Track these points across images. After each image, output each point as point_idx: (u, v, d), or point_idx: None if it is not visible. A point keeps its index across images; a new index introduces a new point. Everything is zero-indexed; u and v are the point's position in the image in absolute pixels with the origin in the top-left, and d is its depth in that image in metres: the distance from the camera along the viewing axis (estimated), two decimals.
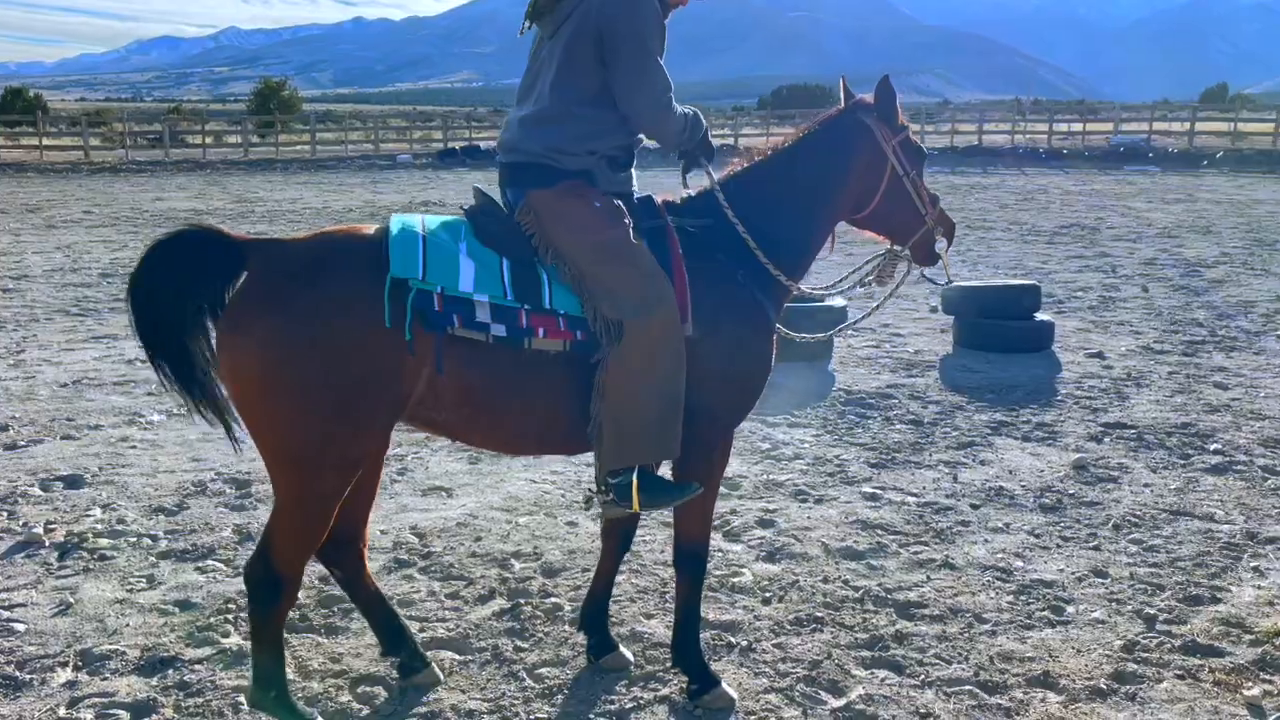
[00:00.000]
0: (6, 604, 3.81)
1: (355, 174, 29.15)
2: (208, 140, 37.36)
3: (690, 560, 3.21)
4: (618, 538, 3.43)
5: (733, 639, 3.60)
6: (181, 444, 5.71)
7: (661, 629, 3.63)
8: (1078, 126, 41.61)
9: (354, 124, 44.58)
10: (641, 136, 3.11)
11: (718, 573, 4.10)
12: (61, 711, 3.13)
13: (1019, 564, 4.22)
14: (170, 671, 3.37)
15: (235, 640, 3.56)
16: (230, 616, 3.72)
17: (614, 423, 2.86)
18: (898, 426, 6.09)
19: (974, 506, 4.85)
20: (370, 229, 2.89)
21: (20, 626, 3.64)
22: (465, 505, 4.86)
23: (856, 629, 3.67)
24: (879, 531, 4.55)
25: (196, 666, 3.40)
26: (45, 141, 34.58)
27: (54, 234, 15.17)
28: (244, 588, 2.97)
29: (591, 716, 3.17)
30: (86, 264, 12.29)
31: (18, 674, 3.33)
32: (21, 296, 10.18)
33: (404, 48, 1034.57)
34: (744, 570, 4.14)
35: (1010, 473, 5.31)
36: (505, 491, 5.05)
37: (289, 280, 2.70)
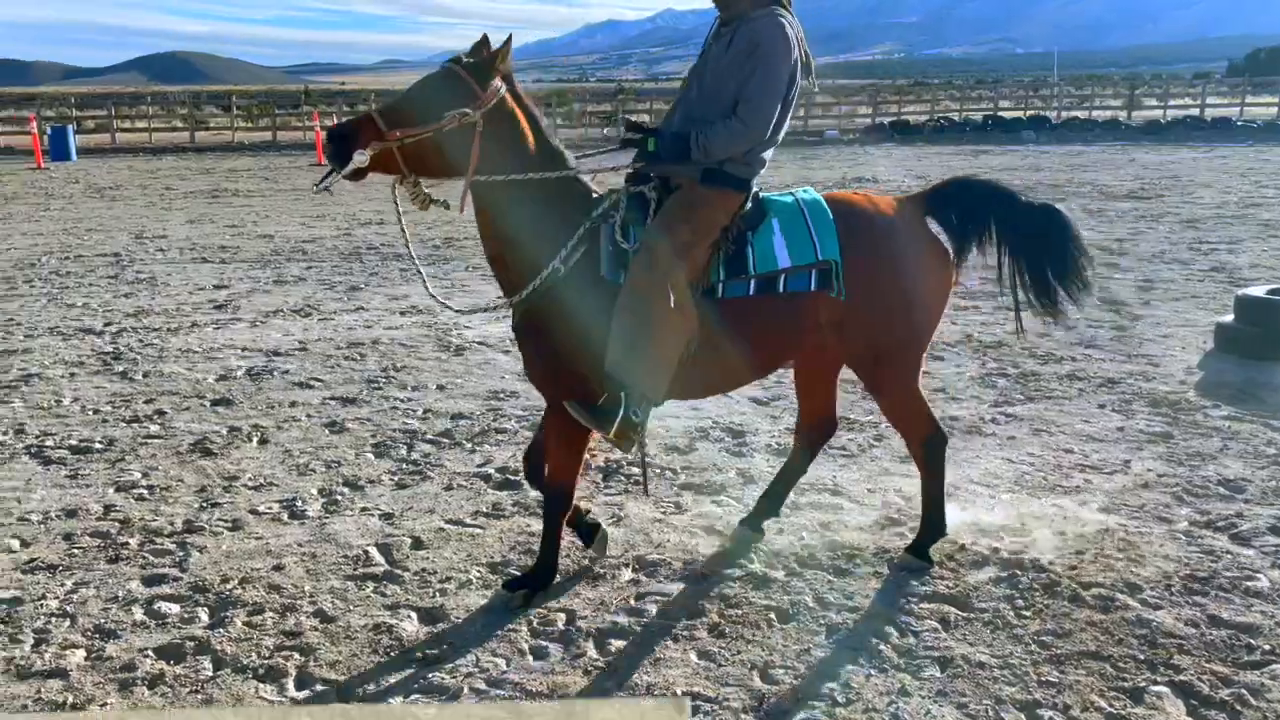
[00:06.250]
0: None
1: (781, 150, 29.98)
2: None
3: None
4: None
5: (1252, 641, 3.51)
6: None
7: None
8: None
9: None
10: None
11: (1228, 574, 3.98)
12: (632, 602, 3.82)
13: None
14: (706, 584, 3.96)
15: (758, 566, 4.09)
16: (754, 547, 4.26)
17: None
18: None
19: None
20: None
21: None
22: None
23: None
24: None
25: (731, 584, 3.96)
26: None
27: None
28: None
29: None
30: None
31: (595, 569, 4.10)
32: None
33: (823, 21, 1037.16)
34: (1259, 575, 3.98)
35: None
36: (982, 468, 5.19)
37: None
